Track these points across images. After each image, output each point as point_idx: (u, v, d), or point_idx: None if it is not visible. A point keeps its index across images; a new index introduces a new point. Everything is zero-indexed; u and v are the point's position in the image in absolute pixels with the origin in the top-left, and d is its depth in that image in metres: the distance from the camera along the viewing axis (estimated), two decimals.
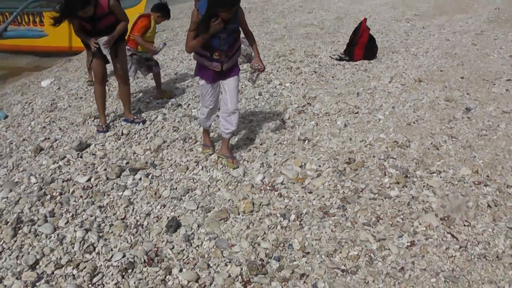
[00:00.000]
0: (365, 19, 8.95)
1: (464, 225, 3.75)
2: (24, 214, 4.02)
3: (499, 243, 3.52)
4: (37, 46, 11.26)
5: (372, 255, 3.45)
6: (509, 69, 7.55)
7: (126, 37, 5.83)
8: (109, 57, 5.49)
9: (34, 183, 4.55)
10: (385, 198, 4.14)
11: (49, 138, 5.65)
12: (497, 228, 3.69)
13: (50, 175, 4.71)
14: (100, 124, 5.86)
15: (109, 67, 5.95)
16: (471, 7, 13.11)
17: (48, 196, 4.30)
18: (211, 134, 5.35)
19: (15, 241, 3.67)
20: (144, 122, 5.94)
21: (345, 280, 3.21)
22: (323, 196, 4.20)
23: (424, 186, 4.32)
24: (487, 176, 4.42)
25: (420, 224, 3.77)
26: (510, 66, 7.69)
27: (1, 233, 3.74)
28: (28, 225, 3.83)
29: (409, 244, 3.55)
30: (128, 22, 5.53)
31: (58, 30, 10.59)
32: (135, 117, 6.00)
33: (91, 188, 4.46)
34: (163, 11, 6.45)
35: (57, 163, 4.99)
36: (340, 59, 8.63)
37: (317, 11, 13.99)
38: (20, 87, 8.42)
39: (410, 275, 3.24)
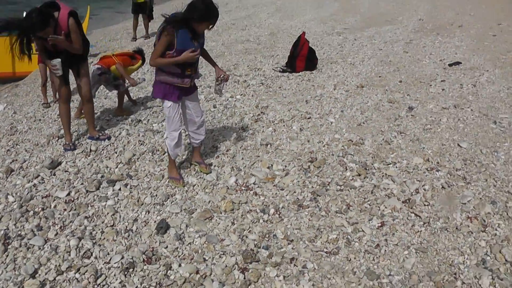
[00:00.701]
0: (304, 33, 9.49)
1: (424, 205, 4.22)
2: (10, 231, 4.12)
3: (457, 216, 4.02)
4: None
5: (349, 237, 3.84)
6: (441, 71, 8.28)
7: (101, 57, 6.00)
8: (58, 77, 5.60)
9: (13, 202, 4.63)
10: (350, 189, 4.56)
11: (16, 160, 5.70)
12: (453, 205, 4.19)
13: (28, 193, 4.81)
14: (67, 142, 5.94)
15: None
16: (396, 19, 14.01)
17: (31, 212, 4.41)
18: None
19: (7, 255, 3.78)
20: (109, 138, 6.10)
21: (330, 260, 3.58)
22: (294, 192, 4.57)
23: (383, 176, 4.78)
24: (437, 163, 4.96)
25: (385, 207, 4.21)
26: (442, 69, 8.42)
27: None
28: (17, 240, 3.94)
29: (379, 225, 3.97)
30: (81, 48, 5.44)
31: (2, 55, 10.54)
32: (100, 134, 6.13)
33: (73, 201, 4.61)
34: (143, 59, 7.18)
35: (32, 181, 5.07)
36: (283, 71, 9.09)
37: (250, 28, 14.48)
38: None
39: (385, 250, 3.65)
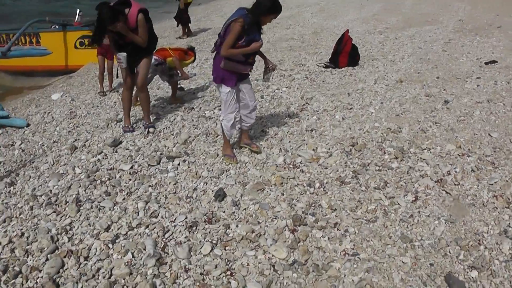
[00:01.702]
0: (348, 30, 9.96)
1: (455, 185, 4.67)
2: (81, 195, 4.76)
3: (484, 195, 4.46)
4: (40, 66, 11.79)
5: (385, 208, 4.32)
6: (477, 69, 8.63)
7: (158, 49, 6.66)
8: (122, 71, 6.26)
9: (80, 173, 5.29)
10: (388, 169, 5.04)
11: (79, 139, 6.36)
12: (481, 185, 4.63)
13: (93, 166, 5.45)
14: (126, 125, 6.57)
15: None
16: (437, 20, 14.29)
17: (98, 181, 5.06)
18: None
19: (80, 214, 4.40)
20: (154, 127, 6.62)
21: (369, 226, 4.07)
22: (337, 170, 5.07)
23: (418, 159, 5.24)
24: (469, 149, 5.39)
25: (419, 185, 4.67)
26: (478, 67, 8.77)
27: (65, 210, 4.47)
28: (88, 203, 4.57)
29: (413, 199, 4.44)
30: (145, 41, 5.97)
31: (60, 48, 11.32)
32: (149, 123, 6.65)
33: (136, 173, 5.23)
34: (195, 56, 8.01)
35: (96, 157, 5.72)
36: (327, 66, 9.57)
37: (294, 27, 14.98)
38: (29, 101, 9.09)
39: (418, 220, 4.12)
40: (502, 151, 5.31)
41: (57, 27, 11.81)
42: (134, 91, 6.66)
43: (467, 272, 3.48)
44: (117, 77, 7.99)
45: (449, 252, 3.69)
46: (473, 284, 3.36)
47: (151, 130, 6.42)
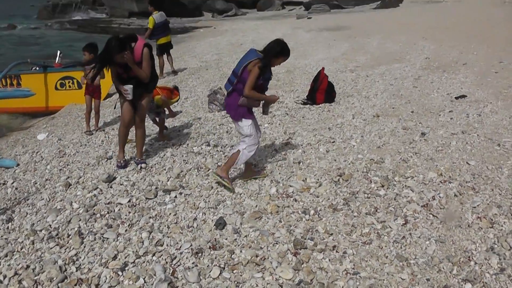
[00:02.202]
0: (323, 68, 10.40)
1: (440, 208, 4.99)
2: (82, 228, 4.91)
3: (468, 216, 4.79)
4: (21, 107, 11.83)
5: (379, 232, 4.61)
6: (449, 103, 9.12)
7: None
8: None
9: (77, 208, 5.44)
10: (376, 196, 5.34)
11: (71, 176, 6.49)
12: (464, 208, 4.96)
13: (90, 201, 5.60)
14: (119, 160, 6.69)
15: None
16: (404, 58, 14.91)
17: (98, 215, 5.21)
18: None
19: (85, 246, 4.55)
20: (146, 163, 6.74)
21: (366, 248, 4.34)
22: (328, 198, 5.36)
23: (403, 187, 5.57)
24: (450, 176, 5.74)
25: (407, 210, 4.98)
26: (450, 101, 9.26)
27: (68, 242, 4.62)
28: (91, 235, 4.73)
29: (404, 222, 4.74)
30: (148, 75, 6.23)
31: (41, 90, 11.41)
32: (141, 159, 6.77)
33: (135, 206, 5.40)
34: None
35: (92, 192, 5.86)
36: (304, 103, 9.94)
37: None
38: (14, 142, 9.14)
39: (410, 241, 4.42)
40: (481, 177, 5.68)
41: (37, 68, 11.94)
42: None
43: (462, 285, 3.77)
44: (115, 107, 8.21)
45: (443, 268, 3.99)
46: None
47: (143, 166, 6.58)
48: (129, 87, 6.15)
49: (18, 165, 7.29)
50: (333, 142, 7.30)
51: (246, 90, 5.24)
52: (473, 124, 7.74)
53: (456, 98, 9.46)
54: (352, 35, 21.74)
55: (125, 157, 6.84)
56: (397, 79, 11.83)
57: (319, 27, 26.42)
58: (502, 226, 4.60)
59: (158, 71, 14.76)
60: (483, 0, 36.76)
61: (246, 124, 5.48)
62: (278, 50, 5.28)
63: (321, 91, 9.88)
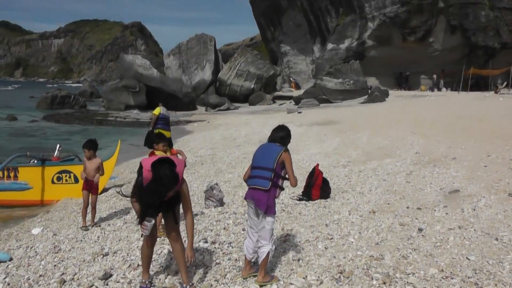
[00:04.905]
0: (318, 164, 10.60)
1: None
2: None
3: None
4: (16, 200, 11.82)
5: None
6: (443, 198, 9.25)
7: None
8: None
9: None
10: None
11: (66, 273, 6.41)
12: None
13: None
14: (143, 280, 5.91)
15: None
16: (394, 153, 15.18)
17: None
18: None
19: None
20: None
21: None
22: None
23: (405, 283, 5.55)
24: (451, 272, 5.75)
25: None
26: (443, 196, 9.40)
27: None
28: None
29: None
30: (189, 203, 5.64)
31: (37, 183, 11.47)
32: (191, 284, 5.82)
33: None
34: None
35: None
36: (300, 199, 10.03)
37: None
38: (8, 236, 9.09)
39: None
40: (482, 272, 5.70)
41: (35, 161, 12.07)
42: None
43: None
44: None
45: None
46: None
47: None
48: (150, 223, 5.43)
49: (11, 259, 7.21)
50: (331, 238, 7.31)
51: (295, 180, 5.71)
52: (469, 218, 7.82)
53: (449, 193, 9.61)
54: (342, 130, 22.17)
55: (150, 278, 6.01)
56: (390, 174, 12.00)
57: (309, 121, 26.97)
58: None
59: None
60: (465, 94, 38.16)
61: (272, 220, 5.71)
62: (290, 137, 5.97)
63: (317, 187, 10.00)
